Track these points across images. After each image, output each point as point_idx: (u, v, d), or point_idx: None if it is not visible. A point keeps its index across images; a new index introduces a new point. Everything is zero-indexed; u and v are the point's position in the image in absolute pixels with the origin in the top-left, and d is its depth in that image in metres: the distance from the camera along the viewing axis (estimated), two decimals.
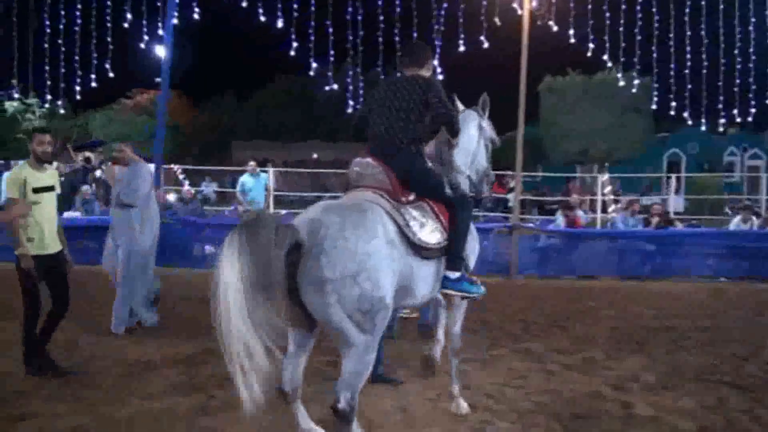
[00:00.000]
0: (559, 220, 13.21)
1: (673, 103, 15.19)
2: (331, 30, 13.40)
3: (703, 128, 16.32)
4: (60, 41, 15.00)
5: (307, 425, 4.49)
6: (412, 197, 4.65)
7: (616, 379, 6.05)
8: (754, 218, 13.31)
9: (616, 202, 20.19)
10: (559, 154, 25.77)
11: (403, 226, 4.33)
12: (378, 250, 4.01)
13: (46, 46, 15.69)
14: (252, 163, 14.56)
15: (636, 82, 16.10)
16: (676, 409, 5.27)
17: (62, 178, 15.09)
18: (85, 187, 14.99)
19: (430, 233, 4.49)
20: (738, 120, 15.76)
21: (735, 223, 13.26)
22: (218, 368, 5.96)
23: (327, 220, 3.96)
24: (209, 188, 22.73)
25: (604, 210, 19.37)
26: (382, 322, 4.01)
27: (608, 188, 21.00)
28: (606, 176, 21.38)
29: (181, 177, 21.66)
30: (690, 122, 15.32)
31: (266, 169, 15.67)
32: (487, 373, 6.09)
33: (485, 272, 11.97)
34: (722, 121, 14.86)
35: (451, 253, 4.64)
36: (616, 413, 5.16)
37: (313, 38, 13.06)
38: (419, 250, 4.37)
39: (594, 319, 8.69)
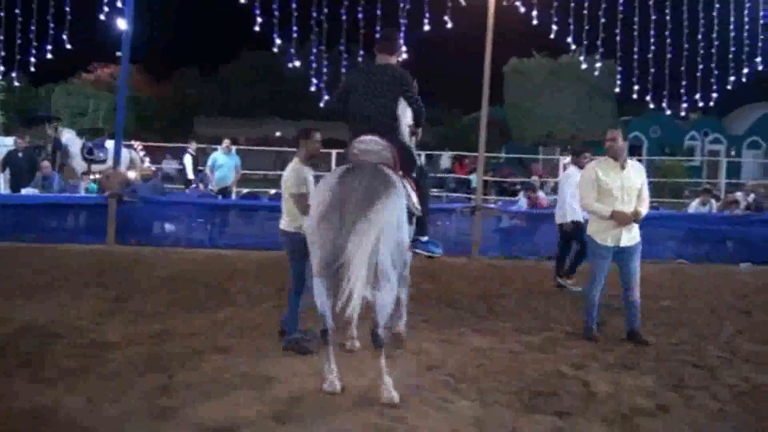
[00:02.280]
0: (522, 202, 13.29)
1: (636, 87, 15.30)
2: (295, 5, 13.19)
3: (668, 112, 16.48)
4: (16, 11, 14.57)
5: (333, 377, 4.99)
6: (401, 172, 5.38)
7: (576, 358, 6.10)
8: (712, 201, 13.52)
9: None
10: (523, 136, 25.90)
11: (406, 196, 5.15)
12: (403, 207, 4.95)
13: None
14: (226, 141, 14.45)
15: (598, 65, 16.17)
16: (635, 387, 5.33)
17: (20, 154, 14.80)
18: (45, 163, 14.68)
19: (417, 202, 5.38)
20: (700, 105, 15.91)
21: (694, 206, 13.47)
22: (179, 348, 5.93)
23: (370, 176, 4.79)
24: (170, 166, 22.41)
25: None
26: (406, 268, 5.24)
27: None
28: (568, 158, 21.52)
29: (141, 154, 21.34)
30: (652, 106, 15.44)
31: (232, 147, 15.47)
32: (450, 353, 6.09)
33: (449, 252, 12.05)
34: (684, 105, 15.01)
35: (420, 219, 5.55)
36: (576, 391, 5.20)
37: (277, 13, 12.83)
38: (411, 216, 5.24)
39: (556, 299, 8.77)
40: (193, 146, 14.51)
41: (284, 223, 6.20)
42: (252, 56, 37.34)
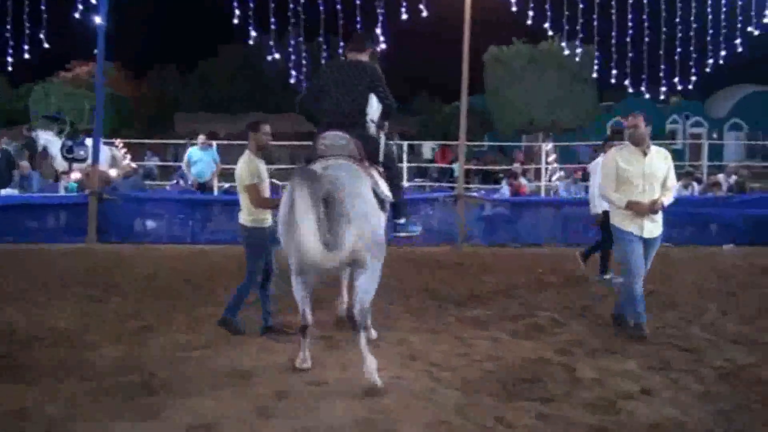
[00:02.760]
0: (505, 189, 13.29)
1: (614, 71, 15.30)
2: None
3: (647, 96, 16.48)
4: None
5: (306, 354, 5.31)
6: (367, 163, 5.54)
7: (561, 344, 6.09)
8: (695, 184, 13.56)
9: (560, 170, 20.41)
10: (504, 124, 25.86)
11: (374, 185, 5.27)
12: (372, 198, 5.13)
13: None
14: (201, 136, 14.31)
15: (579, 50, 16.14)
16: (620, 372, 5.32)
17: None
18: (23, 163, 14.53)
19: (386, 190, 5.50)
20: (679, 88, 15.93)
21: (676, 189, 13.49)
22: (160, 346, 5.88)
23: (341, 175, 5.00)
24: (151, 162, 22.25)
25: (549, 179, 19.57)
26: (384, 253, 5.22)
27: (552, 157, 21.20)
28: (550, 145, 21.57)
29: (123, 152, 21.17)
30: (631, 90, 15.43)
31: (210, 142, 15.37)
32: (433, 342, 6.06)
33: (432, 242, 12.05)
34: (663, 89, 15.03)
35: (396, 204, 5.78)
36: (561, 377, 5.19)
37: (253, 6, 12.74)
38: (383, 203, 5.36)
39: (540, 286, 8.77)
40: (200, 139, 14.29)
41: (243, 218, 6.28)
42: (230, 51, 37.12)
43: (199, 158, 13.80)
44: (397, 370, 5.26)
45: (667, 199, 6.39)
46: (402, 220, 6.00)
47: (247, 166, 6.19)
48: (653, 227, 6.41)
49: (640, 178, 6.25)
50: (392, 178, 5.85)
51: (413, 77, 37.56)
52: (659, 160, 6.37)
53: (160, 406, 4.47)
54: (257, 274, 6.26)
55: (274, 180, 13.72)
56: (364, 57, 5.99)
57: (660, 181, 6.34)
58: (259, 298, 6.43)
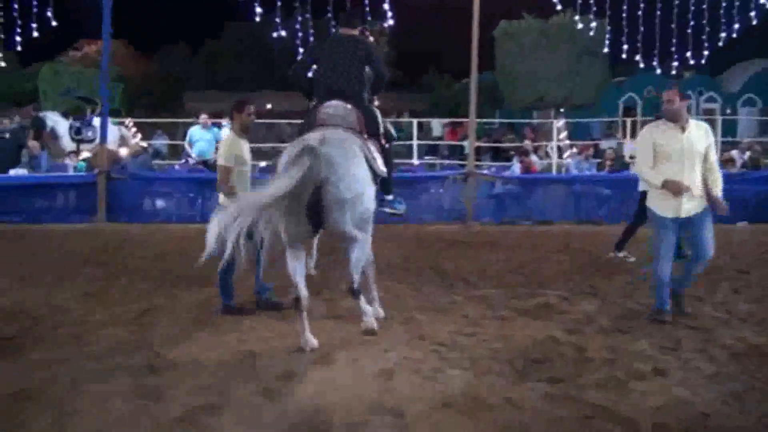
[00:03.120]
0: (515, 167, 13.16)
1: (626, 46, 15.07)
2: None
3: (658, 71, 16.26)
4: None
5: (308, 334, 5.27)
6: (366, 135, 5.66)
7: (570, 323, 6.02)
8: None
9: (571, 146, 20.23)
10: (515, 100, 25.63)
11: (370, 159, 5.43)
12: (367, 174, 5.30)
13: None
14: (204, 115, 14.19)
15: (593, 24, 15.87)
16: (630, 352, 5.25)
17: (7, 135, 14.63)
18: (33, 143, 14.51)
19: (382, 165, 5.60)
20: (692, 62, 15.69)
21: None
22: (166, 326, 5.85)
23: (335, 153, 5.01)
24: (160, 141, 22.18)
25: (560, 155, 19.41)
26: (372, 224, 5.48)
27: (564, 134, 21.02)
28: (561, 122, 21.37)
29: (133, 131, 21.12)
30: (642, 65, 15.20)
31: (219, 121, 15.23)
32: (441, 322, 6.00)
33: (442, 219, 11.99)
34: (675, 64, 14.79)
35: (386, 179, 5.83)
36: (571, 357, 5.13)
37: None
38: (376, 177, 5.51)
39: (549, 264, 8.69)
40: (202, 118, 14.16)
41: (223, 199, 6.11)
42: (237, 28, 36.94)
43: (201, 137, 13.70)
44: (405, 350, 5.20)
45: (715, 175, 6.01)
46: (390, 197, 6.11)
47: (228, 148, 6.15)
48: (692, 205, 5.98)
49: (679, 156, 5.89)
50: (387, 153, 5.95)
51: (422, 54, 37.27)
52: (699, 136, 5.97)
53: (165, 387, 4.44)
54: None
55: (269, 163, 13.65)
56: (355, 33, 6.06)
57: (700, 157, 5.95)
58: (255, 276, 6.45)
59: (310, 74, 6.13)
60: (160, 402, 4.22)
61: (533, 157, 13.60)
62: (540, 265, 8.57)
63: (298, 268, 5.31)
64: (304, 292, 5.29)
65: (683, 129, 5.89)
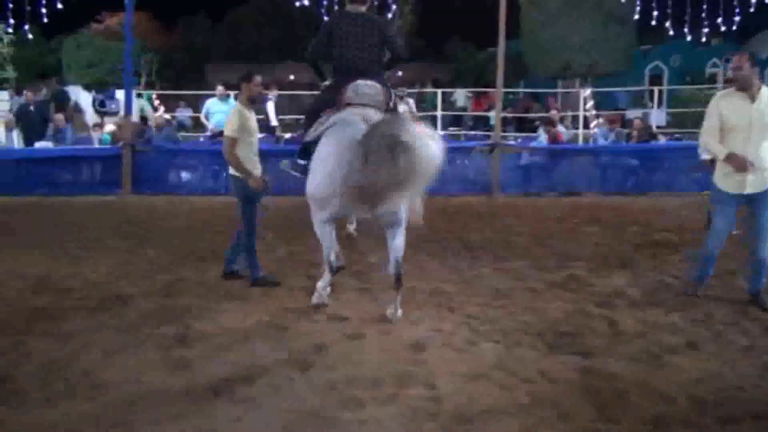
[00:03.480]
0: (542, 137, 13.00)
1: (655, 13, 14.74)
2: None
3: (688, 38, 15.89)
4: None
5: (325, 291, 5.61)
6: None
7: (600, 295, 5.96)
8: None
9: (597, 117, 19.96)
10: (540, 69, 25.23)
11: None
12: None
13: None
14: (220, 87, 14.07)
15: None
16: (663, 325, 5.19)
17: (31, 108, 14.67)
18: (58, 116, 14.55)
19: None
20: (722, 29, 15.34)
21: None
22: (194, 299, 5.84)
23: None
24: (184, 114, 22.16)
25: (586, 126, 19.16)
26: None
27: (590, 103, 20.73)
28: (588, 91, 21.06)
29: (156, 102, 21.12)
30: (672, 33, 14.87)
31: (228, 93, 15.12)
32: (469, 294, 5.97)
33: (468, 191, 11.89)
34: (705, 30, 14.47)
35: None
36: (602, 330, 5.08)
37: None
38: None
39: (577, 236, 8.59)
40: (274, 92, 14.03)
41: (232, 170, 6.22)
42: None
43: (218, 109, 13.60)
44: (435, 322, 5.18)
45: None
46: None
47: (237, 119, 6.10)
48: (760, 181, 5.51)
49: (746, 128, 5.42)
50: None
51: (445, 22, 36.83)
52: None
53: (195, 359, 4.45)
54: (254, 223, 6.27)
55: (278, 133, 13.58)
56: (363, 8, 5.92)
57: None
58: (247, 251, 6.37)
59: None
60: (191, 373, 4.23)
61: (560, 127, 13.41)
62: (568, 237, 8.47)
63: (330, 230, 5.43)
64: (341, 261, 5.54)
65: (753, 98, 5.41)
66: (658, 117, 22.53)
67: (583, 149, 13.20)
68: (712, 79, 35.96)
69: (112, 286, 6.26)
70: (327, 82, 6.06)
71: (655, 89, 23.46)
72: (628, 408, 3.80)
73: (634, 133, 12.91)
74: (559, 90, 25.24)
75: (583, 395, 3.95)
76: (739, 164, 5.40)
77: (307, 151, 5.80)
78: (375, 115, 5.23)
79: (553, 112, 13.67)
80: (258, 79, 6.31)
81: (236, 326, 5.11)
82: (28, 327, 5.11)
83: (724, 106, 5.53)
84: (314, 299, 5.60)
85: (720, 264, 6.99)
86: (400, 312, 5.29)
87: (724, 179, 5.64)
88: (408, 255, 7.21)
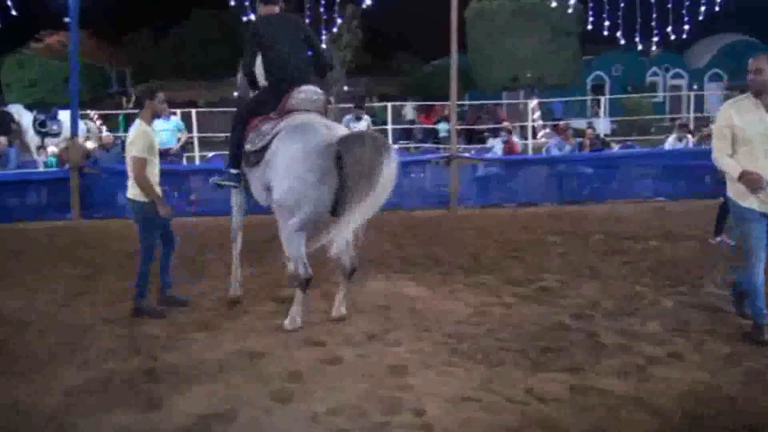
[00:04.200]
0: (497, 148, 12.99)
1: (607, 23, 14.91)
2: None
3: (639, 47, 16.12)
4: None
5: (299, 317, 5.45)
6: None
7: (575, 307, 5.88)
8: (689, 136, 13.32)
9: (544, 127, 20.14)
10: (488, 81, 25.41)
11: None
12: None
13: None
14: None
15: (572, 1, 15.69)
16: (642, 335, 5.13)
17: None
18: (0, 139, 14.03)
19: None
20: (672, 38, 15.59)
21: (670, 142, 13.25)
22: (158, 327, 5.58)
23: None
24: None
25: (534, 136, 19.31)
26: None
27: (537, 113, 20.93)
28: (535, 101, 21.27)
29: (98, 123, 20.57)
30: (622, 42, 15.04)
31: (186, 110, 14.84)
32: (444, 311, 5.82)
33: (425, 204, 11.78)
34: (655, 39, 14.70)
35: None
36: (584, 344, 4.99)
37: None
38: None
39: (543, 247, 8.53)
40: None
41: (132, 193, 5.87)
42: (203, 15, 36.29)
43: (162, 127, 13.27)
44: (413, 343, 5.02)
45: None
46: None
47: (143, 138, 5.74)
48: None
49: (762, 139, 4.81)
50: None
51: (391, 36, 36.98)
52: None
53: (166, 395, 4.21)
54: (153, 248, 6.01)
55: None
56: (277, 9, 5.91)
57: None
58: (160, 269, 6.19)
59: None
60: (163, 411, 3.99)
61: (515, 138, 13.42)
62: (534, 248, 8.40)
63: (300, 239, 5.33)
64: (310, 272, 5.39)
65: None
66: (603, 126, 22.88)
67: (540, 159, 13.17)
68: (653, 87, 36.81)
69: (70, 317, 5.93)
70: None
71: (602, 98, 23.86)
72: (623, 425, 3.72)
73: (587, 142, 12.98)
74: (508, 101, 25.47)
75: (576, 414, 3.85)
76: (754, 184, 4.76)
77: (239, 160, 5.83)
78: (328, 121, 5.53)
79: (506, 123, 13.68)
80: (161, 96, 6.00)
81: (207, 356, 4.87)
82: None
83: (736, 114, 4.89)
84: (288, 324, 5.39)
85: (684, 269, 7.07)
86: (343, 310, 5.55)
87: (744, 196, 4.92)
88: (375, 271, 7.14)
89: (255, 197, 5.97)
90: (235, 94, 6.64)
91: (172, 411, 3.98)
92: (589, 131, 13.83)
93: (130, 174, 5.82)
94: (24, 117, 15.54)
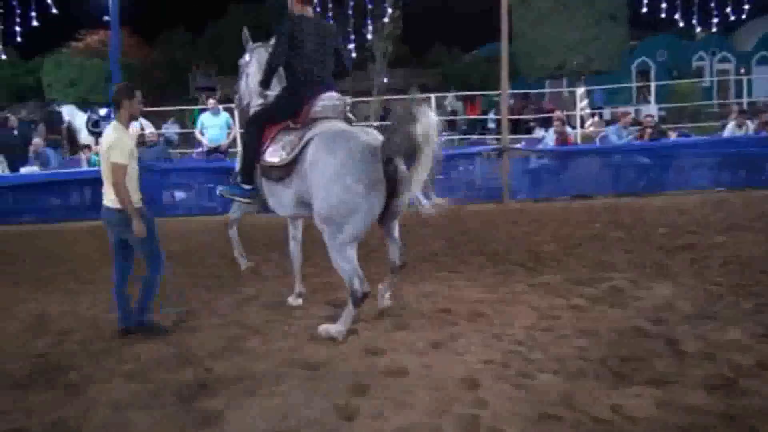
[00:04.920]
0: (549, 138, 12.53)
1: (645, 10, 14.36)
2: None
3: (681, 25, 15.46)
4: None
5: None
6: None
7: (650, 310, 5.46)
8: (749, 123, 12.72)
9: (593, 115, 19.58)
10: (531, 70, 24.75)
11: None
12: None
13: None
14: (211, 100, 13.61)
15: None
16: (725, 343, 4.68)
17: (15, 132, 14.07)
18: (36, 140, 13.96)
19: None
20: (716, 20, 14.98)
21: (730, 128, 12.68)
22: (208, 334, 5.31)
23: None
24: (171, 130, 21.51)
25: (582, 125, 18.76)
26: None
27: (584, 102, 20.35)
28: (582, 89, 20.67)
29: (141, 120, 20.51)
30: (681, 24, 14.43)
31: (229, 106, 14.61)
32: (510, 316, 5.44)
33: (475, 199, 11.40)
34: (712, 20, 14.08)
35: None
36: (665, 352, 4.57)
37: None
38: None
39: (604, 242, 8.11)
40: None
41: (112, 199, 5.24)
42: (240, 11, 36.17)
43: (211, 123, 13.11)
44: (482, 351, 4.65)
45: None
46: None
47: (121, 142, 5.16)
48: None
49: None
50: None
51: (428, 27, 36.46)
52: None
53: (223, 409, 3.91)
54: (158, 256, 5.42)
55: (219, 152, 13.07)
56: (310, 11, 5.64)
57: None
58: (118, 295, 5.46)
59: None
60: (222, 428, 3.69)
61: (568, 128, 12.94)
62: (595, 244, 7.98)
63: (353, 253, 5.05)
64: (367, 286, 5.03)
65: None
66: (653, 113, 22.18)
67: (595, 150, 12.66)
68: (699, 72, 35.80)
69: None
70: (270, 92, 5.77)
71: (652, 84, 23.03)
72: None
73: (648, 130, 12.44)
74: (554, 90, 24.87)
75: None
76: None
77: (253, 174, 5.57)
78: (361, 127, 5.47)
79: (558, 113, 13.20)
80: (140, 95, 5.41)
81: (262, 367, 4.56)
82: (30, 378, 4.58)
83: None
84: (339, 336, 5.04)
85: (756, 266, 6.59)
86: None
87: None
88: (430, 271, 6.80)
89: (275, 210, 5.66)
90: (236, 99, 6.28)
91: (230, 427, 3.69)
92: (648, 119, 13.26)
93: (108, 181, 5.25)
94: (77, 117, 15.52)
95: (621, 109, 16.45)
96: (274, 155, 5.35)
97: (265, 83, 5.67)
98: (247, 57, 6.17)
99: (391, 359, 4.57)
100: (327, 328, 5.10)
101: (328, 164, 4.93)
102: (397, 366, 4.43)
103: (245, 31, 6.20)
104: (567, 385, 4.08)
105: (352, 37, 20.17)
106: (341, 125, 5.34)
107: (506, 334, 4.98)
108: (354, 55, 19.20)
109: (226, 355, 4.84)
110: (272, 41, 5.74)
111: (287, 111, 5.48)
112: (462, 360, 4.50)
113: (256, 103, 5.92)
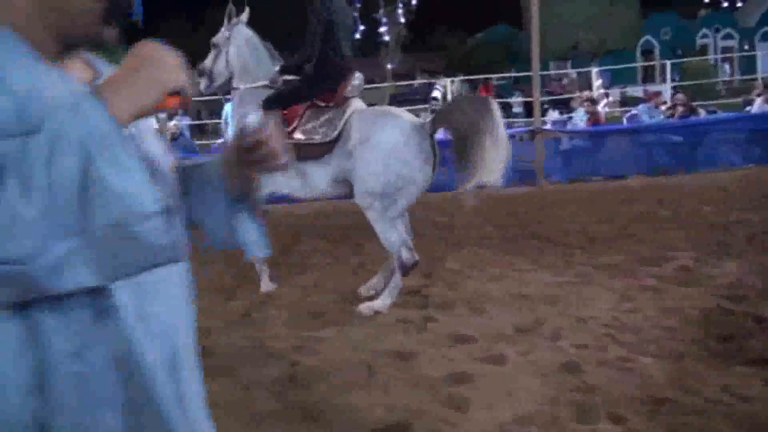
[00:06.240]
0: (577, 118, 12.40)
1: None
2: None
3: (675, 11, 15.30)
4: None
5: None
6: None
7: (726, 288, 5.37)
8: None
9: (607, 96, 19.45)
10: (547, 50, 24.56)
11: None
12: None
13: None
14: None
15: None
16: None
17: None
18: None
19: None
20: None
21: (758, 104, 12.57)
22: (280, 326, 5.19)
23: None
24: (183, 122, 21.26)
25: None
26: None
27: (599, 81, 20.21)
28: (596, 69, 20.53)
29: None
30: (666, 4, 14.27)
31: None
32: (588, 297, 5.34)
33: (508, 182, 11.25)
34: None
35: None
36: (755, 330, 4.48)
37: None
38: None
39: (654, 221, 8.01)
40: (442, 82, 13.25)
41: None
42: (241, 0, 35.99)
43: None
44: (573, 335, 4.56)
45: None
46: None
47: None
48: None
49: None
50: None
51: (430, 12, 36.22)
52: None
53: (321, 404, 3.79)
54: None
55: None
56: None
57: None
58: None
59: None
60: (323, 422, 3.57)
61: (598, 107, 12.81)
62: (646, 224, 7.87)
63: (399, 226, 5.24)
64: (415, 256, 5.24)
65: None
66: (666, 92, 22.07)
67: (627, 129, 12.52)
68: (703, 50, 35.68)
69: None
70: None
71: (668, 63, 22.78)
72: None
73: (679, 108, 12.31)
74: (552, 71, 24.66)
75: None
76: None
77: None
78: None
79: (587, 93, 13.02)
80: None
81: (348, 357, 4.45)
82: None
83: None
84: (383, 309, 5.24)
85: None
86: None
87: None
88: (488, 255, 6.71)
89: (295, 192, 5.62)
90: (202, 88, 6.13)
91: (333, 421, 3.58)
92: (679, 97, 13.13)
93: None
94: None
95: (652, 89, 16.29)
96: (306, 133, 5.32)
97: (298, 71, 5.70)
98: (226, 33, 6.03)
99: (482, 346, 4.46)
100: (370, 305, 5.24)
101: (382, 140, 5.07)
102: (493, 354, 4.31)
103: (230, 6, 6.11)
104: (672, 368, 3.98)
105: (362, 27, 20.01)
106: (376, 106, 5.62)
107: (591, 317, 4.88)
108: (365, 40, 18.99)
109: (306, 345, 4.72)
110: (243, 16, 6.05)
111: (322, 90, 5.44)
112: (555, 345, 4.41)
113: (239, 84, 5.88)
